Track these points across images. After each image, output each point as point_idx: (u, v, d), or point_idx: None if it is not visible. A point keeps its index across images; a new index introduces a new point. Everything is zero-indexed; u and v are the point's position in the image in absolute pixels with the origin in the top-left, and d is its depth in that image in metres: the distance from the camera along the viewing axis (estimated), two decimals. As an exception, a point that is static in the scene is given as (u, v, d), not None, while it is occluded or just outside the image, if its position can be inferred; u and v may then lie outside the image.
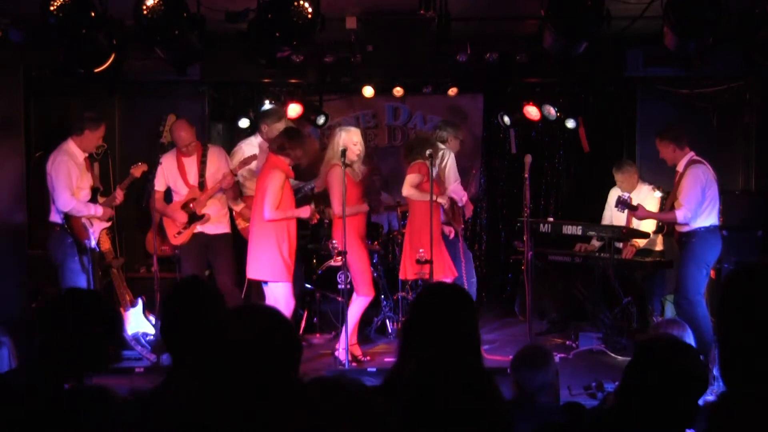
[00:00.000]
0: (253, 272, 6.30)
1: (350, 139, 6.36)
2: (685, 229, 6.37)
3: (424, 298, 2.90)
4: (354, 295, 6.44)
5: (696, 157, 6.44)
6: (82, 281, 6.31)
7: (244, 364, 2.14)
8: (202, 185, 6.66)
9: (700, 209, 6.32)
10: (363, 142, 6.56)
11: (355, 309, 6.46)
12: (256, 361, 2.15)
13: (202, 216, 6.64)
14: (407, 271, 6.71)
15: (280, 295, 6.20)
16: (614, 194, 7.64)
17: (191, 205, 6.68)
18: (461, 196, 7.16)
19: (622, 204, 6.39)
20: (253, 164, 6.74)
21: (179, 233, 6.67)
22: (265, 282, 6.29)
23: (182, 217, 6.65)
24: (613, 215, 7.62)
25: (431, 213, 6.31)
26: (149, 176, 6.83)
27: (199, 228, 6.65)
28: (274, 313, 2.33)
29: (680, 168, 6.43)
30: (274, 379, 2.15)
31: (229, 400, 2.13)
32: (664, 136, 6.50)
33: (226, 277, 6.62)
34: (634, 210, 6.42)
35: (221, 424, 2.14)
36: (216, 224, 6.72)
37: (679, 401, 2.22)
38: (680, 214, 6.29)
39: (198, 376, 2.46)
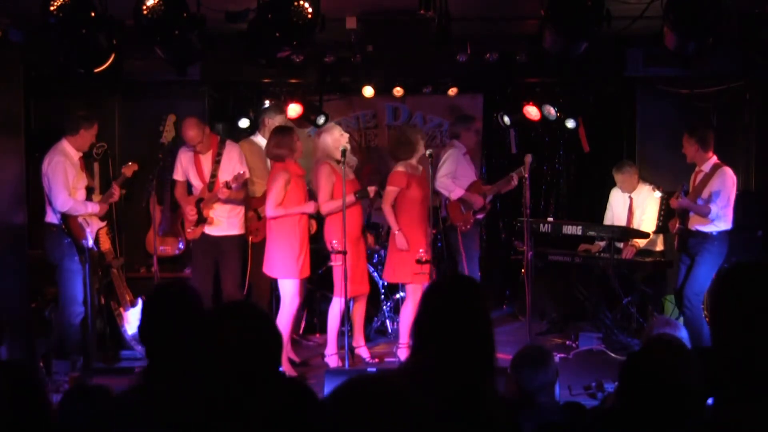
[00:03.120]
0: (266, 268, 6.42)
1: (333, 137, 6.41)
2: (708, 229, 6.34)
3: (433, 290, 2.79)
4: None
5: (718, 161, 6.43)
6: (79, 281, 6.31)
7: (226, 360, 2.16)
8: (211, 185, 6.52)
9: (726, 211, 6.33)
10: (346, 135, 6.56)
11: (332, 311, 6.44)
12: (237, 356, 2.17)
13: (205, 219, 6.53)
14: (399, 273, 6.56)
15: (284, 292, 6.29)
16: (615, 195, 7.65)
17: (201, 204, 6.60)
18: (450, 190, 7.14)
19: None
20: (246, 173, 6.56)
21: (191, 229, 6.62)
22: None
23: (193, 213, 6.55)
24: (614, 215, 7.62)
25: (429, 214, 6.31)
26: (149, 176, 6.83)
27: (206, 229, 6.57)
28: (251, 308, 2.36)
29: (705, 168, 6.41)
30: (255, 373, 2.16)
31: (215, 396, 2.15)
32: (692, 134, 6.45)
33: (228, 279, 6.58)
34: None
35: (208, 421, 2.15)
36: (223, 226, 6.59)
37: (675, 404, 2.18)
38: (714, 210, 6.26)
39: (178, 375, 2.48)
